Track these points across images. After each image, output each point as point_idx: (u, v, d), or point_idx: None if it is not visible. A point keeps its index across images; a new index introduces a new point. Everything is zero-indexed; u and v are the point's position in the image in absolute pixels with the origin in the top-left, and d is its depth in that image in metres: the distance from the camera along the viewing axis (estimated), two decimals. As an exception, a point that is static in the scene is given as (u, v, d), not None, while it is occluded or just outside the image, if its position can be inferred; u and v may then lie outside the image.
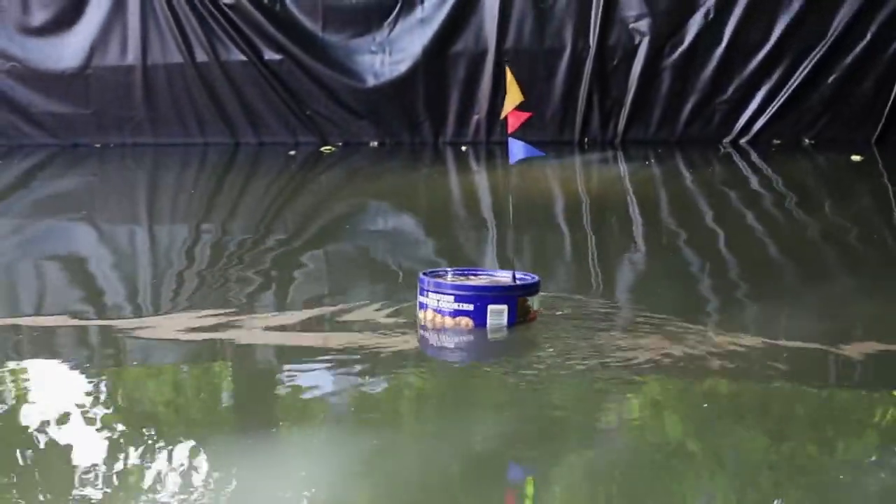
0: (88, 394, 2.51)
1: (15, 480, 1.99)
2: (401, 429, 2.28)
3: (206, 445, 2.15)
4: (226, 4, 7.79)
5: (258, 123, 8.00)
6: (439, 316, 2.86)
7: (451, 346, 2.77)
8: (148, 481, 1.96)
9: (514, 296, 2.85)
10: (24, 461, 2.07)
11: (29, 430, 2.23)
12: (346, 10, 7.83)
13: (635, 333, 2.79)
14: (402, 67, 7.77)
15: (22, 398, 2.47)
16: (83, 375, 2.68)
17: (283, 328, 3.05)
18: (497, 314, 2.83)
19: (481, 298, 2.82)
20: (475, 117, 7.86)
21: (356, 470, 1.99)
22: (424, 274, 2.92)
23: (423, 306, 2.90)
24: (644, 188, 5.96)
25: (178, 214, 5.52)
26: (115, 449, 2.12)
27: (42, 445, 2.15)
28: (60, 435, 2.21)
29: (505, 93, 2.84)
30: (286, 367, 2.71)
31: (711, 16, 7.63)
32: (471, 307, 2.83)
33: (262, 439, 2.20)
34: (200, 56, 7.90)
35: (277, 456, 2.09)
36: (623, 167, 6.95)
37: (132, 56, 7.97)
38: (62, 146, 8.12)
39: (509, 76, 2.83)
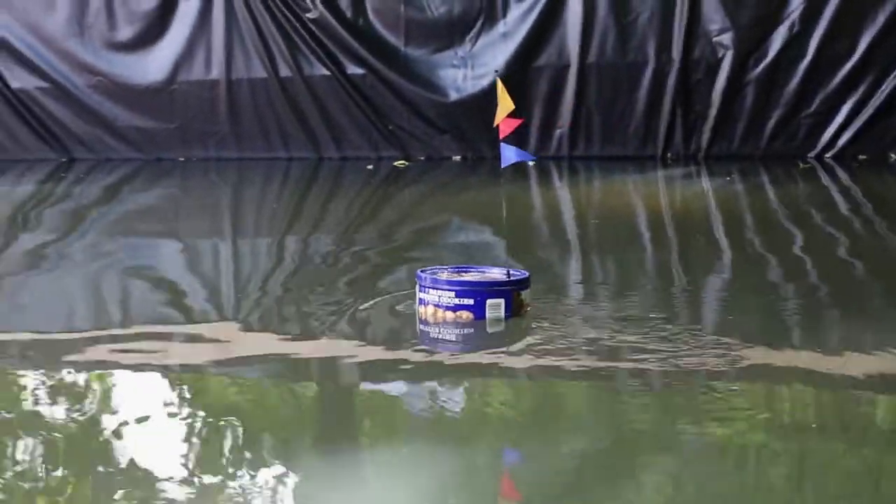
0: (172, 408, 2.60)
1: (98, 487, 2.09)
2: (493, 443, 2.36)
3: (288, 459, 2.24)
4: (309, 19, 7.92)
5: (341, 138, 8.12)
6: (440, 310, 3.15)
7: (529, 357, 2.86)
8: (230, 496, 2.05)
9: (509, 290, 3.16)
10: (100, 470, 2.16)
11: (107, 439, 2.33)
12: (429, 25, 7.93)
13: (721, 348, 2.85)
14: (485, 82, 7.84)
15: (101, 407, 2.57)
16: (166, 389, 2.78)
17: (365, 341, 3.14)
18: (495, 307, 3.13)
19: (481, 293, 3.12)
20: (558, 131, 7.93)
21: (441, 489, 2.06)
22: (422, 272, 3.21)
23: (423, 302, 3.19)
24: (727, 204, 6.00)
25: (261, 228, 5.64)
26: (194, 462, 2.21)
27: (121, 456, 2.24)
28: (140, 445, 2.30)
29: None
30: (369, 380, 2.81)
31: (796, 29, 7.64)
32: (471, 301, 3.12)
33: (345, 454, 2.28)
34: (284, 71, 8.03)
35: (365, 472, 2.17)
36: (706, 182, 6.98)
37: (216, 71, 8.12)
38: (146, 160, 8.29)
39: (500, 87, 3.19)
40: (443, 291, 3.15)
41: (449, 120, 7.97)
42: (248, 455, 2.26)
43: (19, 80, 8.41)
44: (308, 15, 7.93)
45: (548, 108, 7.91)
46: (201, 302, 3.76)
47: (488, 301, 3.13)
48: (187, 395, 2.73)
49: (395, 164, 7.80)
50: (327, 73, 7.98)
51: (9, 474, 2.14)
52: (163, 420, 2.48)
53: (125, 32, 8.23)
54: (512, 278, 3.21)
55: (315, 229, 5.46)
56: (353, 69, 7.96)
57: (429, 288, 3.17)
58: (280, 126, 8.15)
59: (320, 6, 7.90)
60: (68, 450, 2.30)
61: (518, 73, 7.83)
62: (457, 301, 3.13)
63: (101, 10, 8.22)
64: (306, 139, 8.16)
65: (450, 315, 3.13)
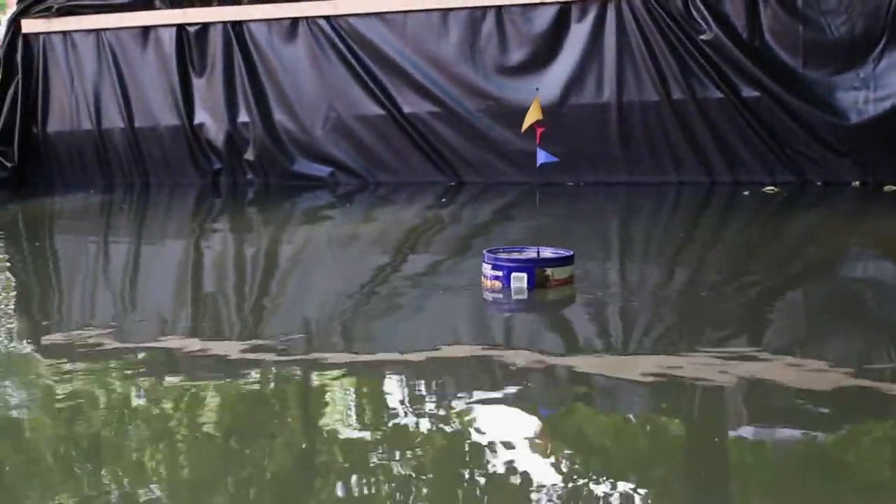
0: (545, 430, 2.85)
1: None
2: None
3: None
4: (703, 41, 8.09)
5: (734, 162, 8.27)
6: (487, 280, 4.52)
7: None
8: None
9: (531, 266, 4.43)
10: (471, 492, 2.40)
11: (481, 462, 2.56)
12: (829, 45, 7.97)
13: None
14: (888, 104, 7.86)
15: (470, 430, 2.83)
16: (539, 412, 3.04)
17: (752, 370, 3.33)
18: (518, 280, 4.40)
19: (507, 267, 4.43)
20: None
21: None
22: (487, 251, 4.58)
23: (483, 274, 4.55)
24: None
25: (652, 253, 5.87)
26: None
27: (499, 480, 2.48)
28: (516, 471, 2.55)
29: None
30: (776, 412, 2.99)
31: None
32: (500, 273, 4.45)
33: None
34: (676, 93, 8.23)
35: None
36: None
37: (607, 93, 8.40)
38: (534, 184, 8.61)
39: (537, 100, 4.82)
40: (487, 265, 4.50)
41: (848, 143, 7.99)
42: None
43: (411, 104, 8.94)
44: (702, 36, 8.10)
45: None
46: (584, 327, 4.02)
47: (513, 274, 4.40)
48: (557, 422, 2.97)
49: (765, 189, 7.89)
50: (720, 95, 8.15)
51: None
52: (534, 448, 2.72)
53: (516, 56, 8.61)
54: (539, 257, 4.51)
55: (708, 256, 5.65)
56: (748, 91, 8.09)
57: (483, 262, 4.52)
58: (671, 150, 8.33)
59: (715, 27, 8.07)
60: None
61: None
62: (493, 273, 4.47)
63: (493, 33, 8.62)
64: (698, 163, 8.33)
65: (489, 283, 4.50)
